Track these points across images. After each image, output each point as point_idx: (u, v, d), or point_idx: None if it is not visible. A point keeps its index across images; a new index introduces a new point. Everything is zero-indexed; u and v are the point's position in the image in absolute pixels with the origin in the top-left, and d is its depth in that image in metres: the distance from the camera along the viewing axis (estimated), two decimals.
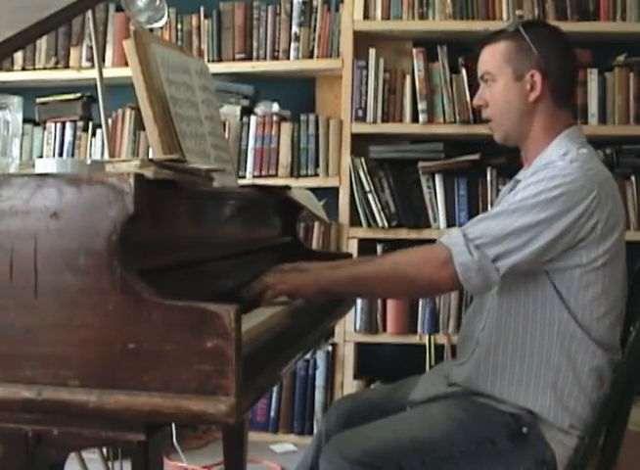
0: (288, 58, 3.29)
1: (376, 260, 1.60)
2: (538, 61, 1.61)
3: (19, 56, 3.48)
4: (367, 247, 3.17)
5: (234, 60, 3.34)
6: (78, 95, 3.46)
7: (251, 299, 1.51)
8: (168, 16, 2.79)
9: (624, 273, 1.61)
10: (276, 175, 3.26)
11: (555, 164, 1.54)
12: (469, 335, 1.68)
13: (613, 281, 1.56)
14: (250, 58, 3.33)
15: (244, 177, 3.24)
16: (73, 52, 3.49)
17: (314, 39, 3.28)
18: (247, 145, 3.29)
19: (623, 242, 1.58)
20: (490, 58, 1.66)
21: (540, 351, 1.55)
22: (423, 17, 3.17)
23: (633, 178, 3.11)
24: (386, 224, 3.16)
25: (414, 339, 3.16)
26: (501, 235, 1.48)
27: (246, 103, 3.34)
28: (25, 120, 2.87)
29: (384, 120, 3.19)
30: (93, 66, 3.34)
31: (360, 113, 3.19)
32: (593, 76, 3.11)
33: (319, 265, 1.72)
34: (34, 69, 3.50)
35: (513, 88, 1.63)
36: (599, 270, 1.53)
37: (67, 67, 3.49)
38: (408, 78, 3.19)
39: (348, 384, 3.18)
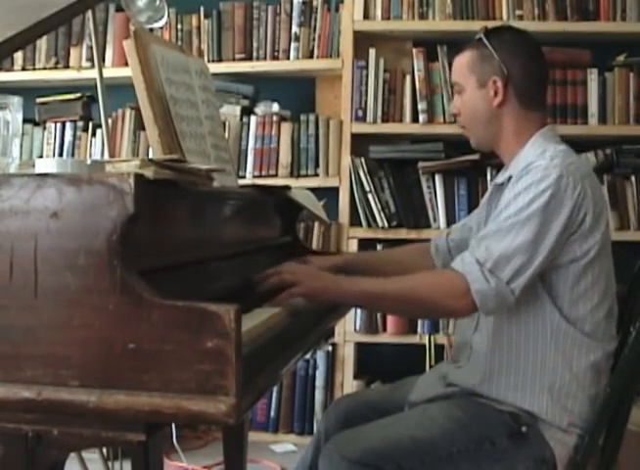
0: (288, 58, 3.29)
1: (394, 280, 1.59)
2: (500, 66, 1.65)
3: (19, 56, 3.48)
4: (367, 247, 3.17)
5: (234, 60, 3.34)
6: (78, 95, 3.46)
7: (264, 290, 1.50)
8: (168, 16, 2.79)
9: (611, 264, 1.62)
10: (276, 175, 3.26)
11: (536, 164, 1.55)
12: (463, 340, 1.70)
13: (602, 272, 1.58)
14: (250, 58, 3.33)
15: (244, 177, 3.24)
16: (73, 52, 3.49)
17: (314, 39, 3.28)
18: (247, 145, 3.29)
19: (609, 233, 1.61)
20: (458, 69, 1.72)
21: (535, 353, 1.56)
22: (423, 17, 3.17)
23: (633, 178, 3.11)
24: (386, 224, 3.16)
25: (414, 339, 3.16)
26: (507, 255, 1.49)
27: (246, 103, 3.34)
28: (25, 120, 2.87)
29: (384, 120, 3.19)
30: (93, 66, 3.34)
31: (360, 113, 3.19)
32: (593, 76, 3.11)
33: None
34: (34, 69, 3.50)
35: (478, 96, 1.67)
36: (590, 263, 1.55)
37: (67, 67, 3.49)
38: (408, 78, 3.19)
39: (348, 384, 3.18)
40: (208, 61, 3.26)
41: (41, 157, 3.44)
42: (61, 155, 3.45)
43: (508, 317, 1.57)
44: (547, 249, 1.50)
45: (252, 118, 3.30)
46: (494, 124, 1.68)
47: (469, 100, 1.69)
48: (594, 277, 1.56)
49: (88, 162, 1.27)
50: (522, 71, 1.65)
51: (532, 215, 1.49)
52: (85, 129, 3.47)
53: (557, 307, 1.55)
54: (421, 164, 3.16)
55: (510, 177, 1.61)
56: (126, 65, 1.67)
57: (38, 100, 3.47)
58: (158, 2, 2.29)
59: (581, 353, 1.56)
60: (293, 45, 3.28)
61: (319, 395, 3.19)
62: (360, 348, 3.27)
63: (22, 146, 3.36)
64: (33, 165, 1.26)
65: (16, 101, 1.85)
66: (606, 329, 1.59)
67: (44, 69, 3.49)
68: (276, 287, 1.52)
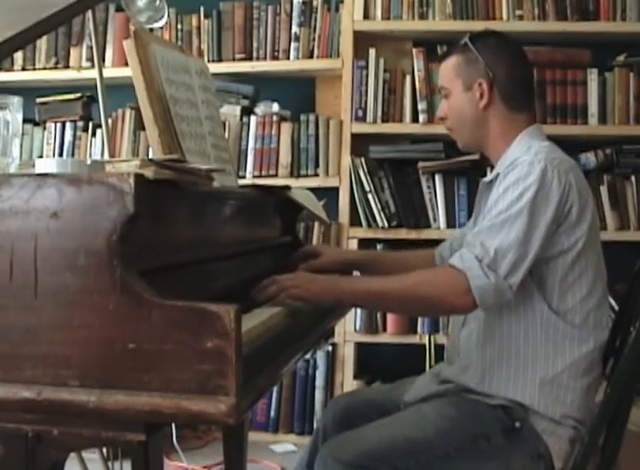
0: (288, 58, 3.29)
1: (393, 278, 1.60)
2: (485, 69, 1.68)
3: (19, 56, 3.48)
4: (367, 247, 3.17)
5: (234, 60, 3.34)
6: (78, 95, 3.46)
7: (262, 299, 1.51)
8: (168, 16, 2.79)
9: (600, 254, 1.64)
10: (276, 175, 3.26)
11: (521, 159, 1.58)
12: (455, 336, 1.72)
13: (591, 263, 1.59)
14: (250, 58, 3.33)
15: (244, 177, 3.24)
16: (73, 52, 3.49)
17: (314, 39, 3.28)
18: (247, 145, 3.29)
19: (596, 223, 1.62)
20: (443, 73, 1.75)
21: (525, 346, 1.57)
22: (423, 17, 3.17)
23: (633, 178, 3.11)
24: (386, 224, 3.16)
25: (414, 339, 3.16)
26: (502, 250, 1.50)
27: (246, 103, 3.34)
28: (25, 120, 2.86)
29: (384, 120, 3.19)
30: (93, 66, 3.34)
31: (360, 113, 3.19)
32: (593, 76, 3.11)
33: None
34: (34, 69, 3.50)
35: (464, 99, 1.70)
36: (578, 254, 1.56)
37: (67, 67, 3.49)
38: (408, 78, 3.19)
39: (348, 384, 3.18)
40: (208, 61, 3.26)
41: (41, 157, 3.44)
42: (61, 155, 3.45)
43: (498, 311, 1.58)
44: (538, 242, 1.52)
45: (252, 118, 3.30)
46: (481, 126, 1.70)
47: (455, 103, 1.72)
48: (581, 268, 1.57)
49: (88, 162, 1.27)
50: (506, 74, 1.68)
51: (522, 210, 1.51)
52: (85, 129, 3.47)
53: (546, 301, 1.56)
54: (421, 164, 3.16)
55: (498, 175, 1.63)
56: (126, 65, 1.67)
57: (38, 100, 3.47)
58: (158, 2, 2.29)
59: (572, 345, 1.57)
60: (293, 45, 3.28)
61: (319, 395, 3.19)
62: (360, 348, 3.27)
63: (22, 146, 3.36)
64: (33, 165, 1.26)
65: (16, 101, 1.85)
66: (597, 319, 1.60)
67: (44, 69, 3.49)
68: (275, 294, 1.52)
